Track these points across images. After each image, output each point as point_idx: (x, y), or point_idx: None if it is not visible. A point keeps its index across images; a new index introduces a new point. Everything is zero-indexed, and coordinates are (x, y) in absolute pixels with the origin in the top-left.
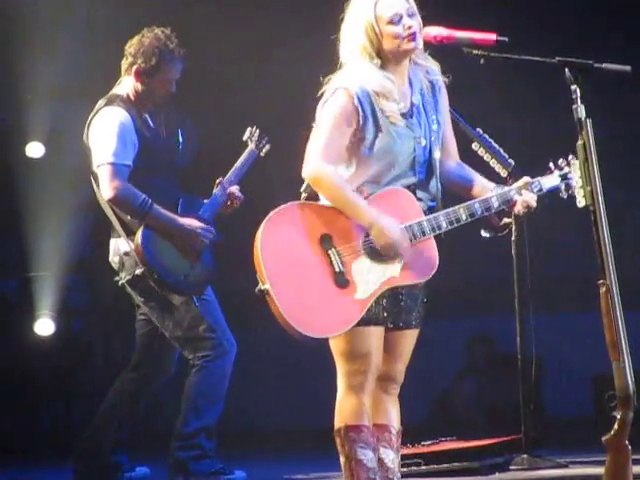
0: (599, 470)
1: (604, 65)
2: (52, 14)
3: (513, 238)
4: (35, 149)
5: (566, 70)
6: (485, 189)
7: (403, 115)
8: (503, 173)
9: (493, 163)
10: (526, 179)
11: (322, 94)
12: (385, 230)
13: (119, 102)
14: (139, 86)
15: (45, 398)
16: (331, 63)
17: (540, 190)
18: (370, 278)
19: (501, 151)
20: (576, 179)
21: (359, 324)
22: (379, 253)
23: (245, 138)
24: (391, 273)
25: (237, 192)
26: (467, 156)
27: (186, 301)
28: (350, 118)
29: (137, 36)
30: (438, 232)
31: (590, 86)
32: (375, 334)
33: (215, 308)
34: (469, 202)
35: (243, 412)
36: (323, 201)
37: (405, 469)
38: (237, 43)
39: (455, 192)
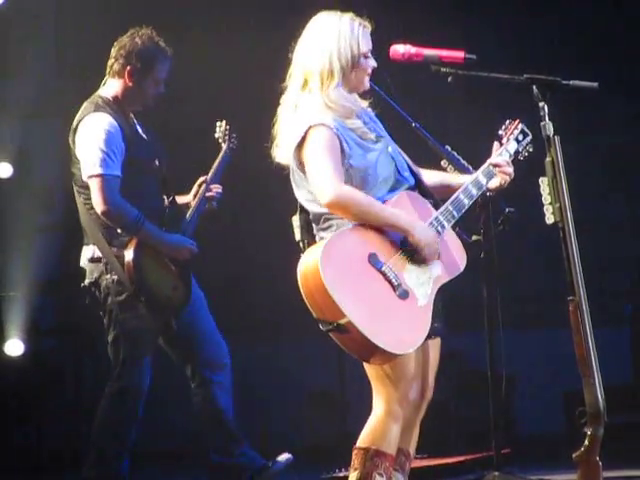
0: None
1: (572, 82)
2: (20, 34)
3: (482, 255)
4: (3, 169)
5: (534, 87)
6: (460, 177)
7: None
8: None
9: None
10: (495, 149)
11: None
12: (424, 232)
13: (106, 107)
14: (131, 87)
15: (15, 419)
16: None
17: (510, 156)
18: (422, 283)
19: (470, 168)
20: (545, 196)
21: None
22: (419, 259)
23: (217, 136)
24: (436, 273)
25: (215, 192)
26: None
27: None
28: (337, 147)
29: (126, 37)
30: (453, 222)
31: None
32: (417, 352)
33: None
34: (463, 187)
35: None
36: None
37: None
38: (206, 49)
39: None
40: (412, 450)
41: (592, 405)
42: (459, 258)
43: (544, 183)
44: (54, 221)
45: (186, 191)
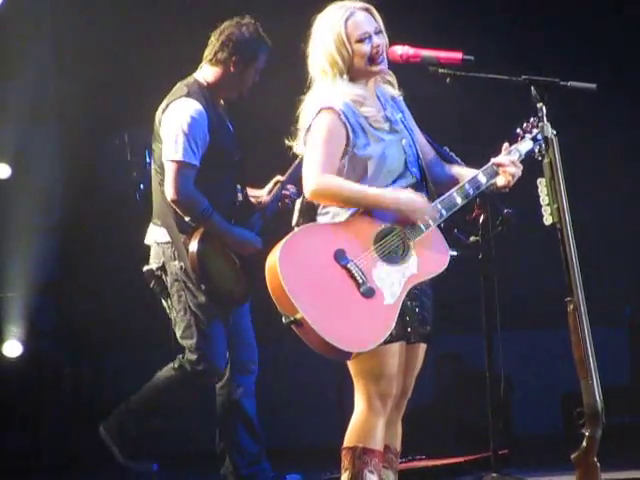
0: None
1: (570, 83)
2: (19, 36)
3: (480, 256)
4: (1, 170)
5: (532, 88)
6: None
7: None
8: None
9: None
10: (504, 148)
11: (298, 118)
12: (410, 200)
13: (199, 93)
14: (233, 75)
15: (13, 420)
16: None
17: (520, 156)
18: (393, 281)
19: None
20: (543, 197)
21: (386, 342)
22: (393, 258)
23: None
24: (410, 271)
25: (290, 191)
26: None
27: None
28: (339, 135)
29: (231, 26)
30: (440, 220)
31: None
32: (400, 352)
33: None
34: (459, 185)
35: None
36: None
37: None
38: None
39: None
40: (398, 447)
41: (590, 406)
42: (439, 259)
43: (542, 184)
44: (52, 222)
45: (260, 185)
